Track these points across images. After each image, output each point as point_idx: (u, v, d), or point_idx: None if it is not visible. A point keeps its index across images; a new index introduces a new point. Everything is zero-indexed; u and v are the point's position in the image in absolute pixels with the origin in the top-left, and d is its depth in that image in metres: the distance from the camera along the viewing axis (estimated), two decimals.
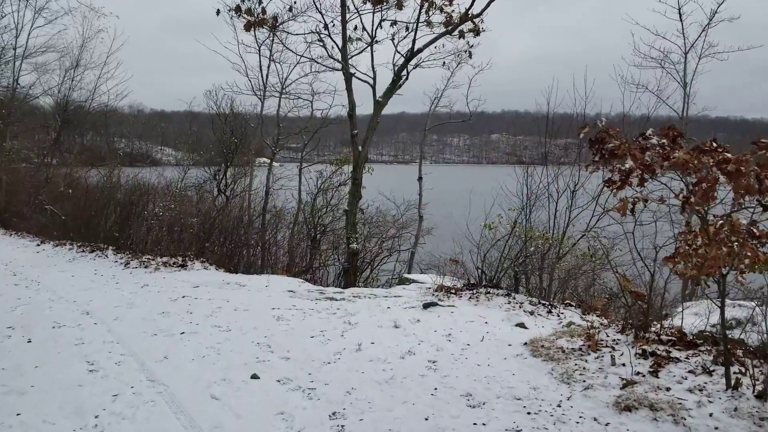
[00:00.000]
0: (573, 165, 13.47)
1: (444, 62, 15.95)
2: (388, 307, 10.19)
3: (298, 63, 18.28)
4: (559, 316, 9.77)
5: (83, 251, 17.73)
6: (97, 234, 18.91)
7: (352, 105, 14.70)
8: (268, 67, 18.89)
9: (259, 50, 18.56)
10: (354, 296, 11.22)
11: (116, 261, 15.91)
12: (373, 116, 14.73)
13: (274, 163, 19.55)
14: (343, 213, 20.02)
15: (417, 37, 14.55)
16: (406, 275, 13.51)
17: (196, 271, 14.23)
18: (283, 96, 18.42)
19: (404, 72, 14.56)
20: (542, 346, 7.62)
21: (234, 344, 8.15)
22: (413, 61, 14.67)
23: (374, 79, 15.07)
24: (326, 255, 19.41)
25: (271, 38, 18.06)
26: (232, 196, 19.80)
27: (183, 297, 11.12)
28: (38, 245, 19.76)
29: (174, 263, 14.63)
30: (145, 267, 14.69)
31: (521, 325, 9.01)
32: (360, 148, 14.66)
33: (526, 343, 7.89)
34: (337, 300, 10.84)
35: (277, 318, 9.49)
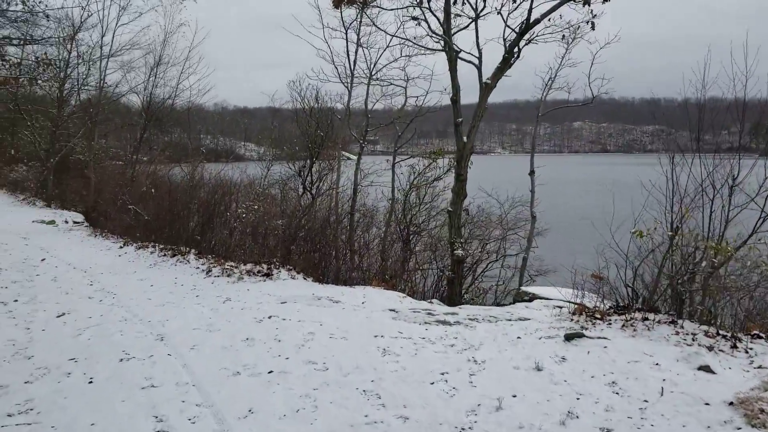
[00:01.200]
0: (733, 154, 10.92)
1: (563, 35, 13.66)
2: (518, 337, 8.18)
3: (388, 46, 16.53)
4: (747, 352, 7.46)
5: (165, 255, 16.70)
6: (180, 236, 17.90)
7: (456, 89, 12.73)
8: (356, 52, 17.19)
9: (346, 33, 16.90)
10: (470, 319, 9.28)
11: (197, 267, 14.68)
12: (480, 101, 12.71)
13: (363, 157, 17.86)
14: (443, 213, 18.14)
15: (534, 6, 12.34)
16: (525, 288, 11.44)
17: (283, 281, 12.71)
18: (373, 83, 16.66)
19: (516, 48, 12.40)
20: (762, 410, 5.42)
21: (334, 392, 6.40)
22: (525, 36, 12.48)
23: (479, 58, 13.05)
24: (420, 258, 17.58)
25: (358, 19, 16.34)
26: (317, 194, 18.32)
27: (269, 317, 9.53)
28: (121, 247, 19.00)
29: (258, 271, 13.18)
30: (228, 275, 13.32)
31: (706, 369, 6.79)
32: (465, 138, 12.70)
33: (731, 403, 5.70)
34: (451, 324, 8.94)
35: (382, 351, 7.68)
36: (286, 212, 16.51)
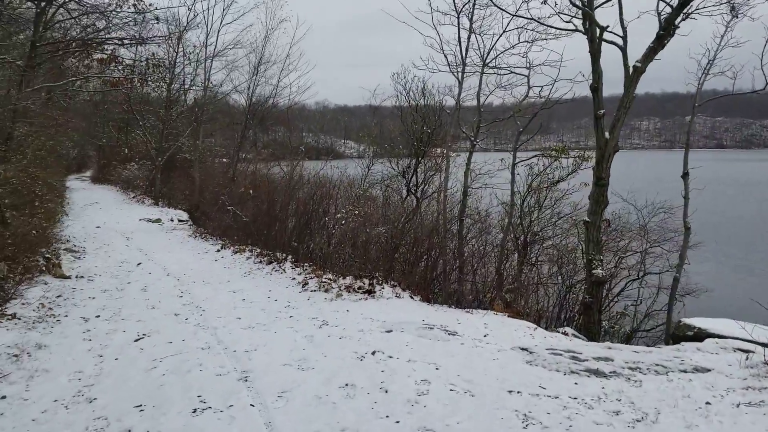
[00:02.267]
0: None
1: (732, 5, 10.99)
2: (708, 403, 6.01)
3: (505, 31, 14.40)
4: None
5: (261, 261, 15.60)
6: (277, 240, 16.77)
7: (598, 75, 10.48)
8: (468, 38, 15.24)
9: (458, 17, 14.95)
10: (631, 368, 7.16)
11: (293, 278, 13.35)
12: (627, 89, 10.42)
13: (474, 156, 15.91)
14: (566, 220, 15.89)
15: None
16: (686, 320, 9.08)
17: (386, 300, 11.05)
18: (487, 71, 14.67)
19: (673, 24, 10.00)
20: None
21: None
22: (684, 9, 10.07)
23: (624, 38, 10.74)
24: (538, 271, 15.42)
25: (472, 1, 14.40)
26: (423, 197, 16.57)
27: (373, 353, 7.86)
28: (218, 251, 18.17)
29: (359, 288, 11.59)
30: (326, 291, 11.84)
31: None
32: (607, 134, 10.48)
33: None
34: (607, 377, 6.87)
35: (523, 417, 5.78)
36: (389, 217, 14.88)
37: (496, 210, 16.54)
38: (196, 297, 12.16)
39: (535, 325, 9.36)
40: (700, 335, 8.78)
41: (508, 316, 9.86)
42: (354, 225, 14.26)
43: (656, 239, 14.40)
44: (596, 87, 10.47)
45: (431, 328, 8.90)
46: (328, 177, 18.54)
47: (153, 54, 30.06)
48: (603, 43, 10.64)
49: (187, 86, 35.07)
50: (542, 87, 13.46)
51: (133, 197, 37.05)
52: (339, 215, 14.32)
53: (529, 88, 13.72)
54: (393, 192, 18.42)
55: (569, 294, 13.23)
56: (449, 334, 8.57)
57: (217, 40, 31.49)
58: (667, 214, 14.79)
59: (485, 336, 8.59)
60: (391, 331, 8.86)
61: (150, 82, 33.12)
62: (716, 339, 8.15)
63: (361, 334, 8.81)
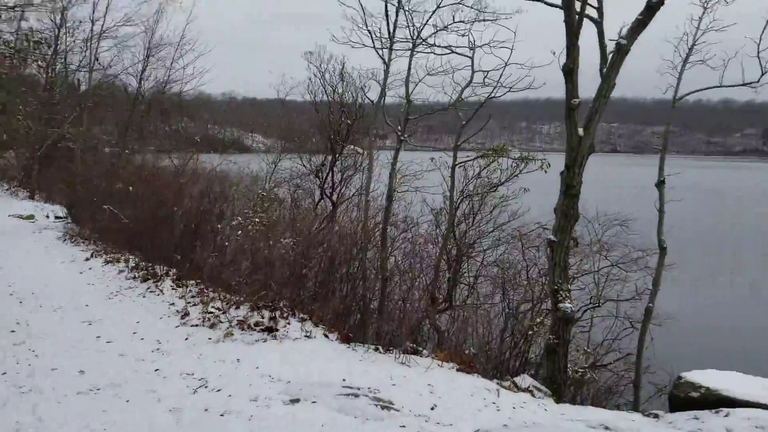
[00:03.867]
0: None
1: None
2: None
3: (439, 6, 11.99)
4: None
5: (135, 277, 12.49)
6: (160, 249, 13.61)
7: (573, 53, 8.08)
8: (396, 13, 12.72)
9: None
10: None
11: (172, 304, 10.37)
12: (608, 73, 8.17)
13: (403, 153, 13.42)
14: (505, 231, 13.74)
15: None
16: (690, 377, 6.94)
17: (293, 342, 8.30)
18: (420, 51, 12.22)
19: None
20: None
21: None
22: None
23: (600, 9, 8.47)
24: (474, 293, 13.18)
25: None
26: (340, 200, 13.92)
27: None
28: (87, 259, 14.80)
29: (257, 324, 8.77)
30: (211, 326, 8.95)
31: None
32: (581, 130, 8.22)
33: None
34: None
35: None
36: (297, 226, 12.12)
37: (426, 219, 14.15)
38: (34, 331, 9.02)
39: (495, 385, 6.91)
40: (709, 398, 6.66)
41: (458, 370, 7.37)
42: (254, 235, 11.39)
43: (620, 260, 12.41)
44: (571, 69, 8.20)
45: (356, 396, 6.24)
46: (225, 173, 15.47)
47: (31, 28, 26.31)
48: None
49: (72, 66, 31.20)
50: (487, 72, 11.13)
51: (7, 189, 32.62)
52: (235, 222, 11.37)
53: (473, 72, 11.37)
54: (304, 194, 15.61)
55: (515, 325, 11.01)
56: (383, 408, 5.95)
57: (105, 16, 27.96)
58: (622, 227, 12.92)
59: (433, 408, 6.04)
60: (297, 400, 6.14)
61: (29, 61, 29.19)
62: (747, 409, 6.02)
63: (253, 407, 6.04)
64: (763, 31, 9.67)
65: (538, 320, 10.97)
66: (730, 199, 52.28)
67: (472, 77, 11.44)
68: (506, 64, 10.75)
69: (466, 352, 8.77)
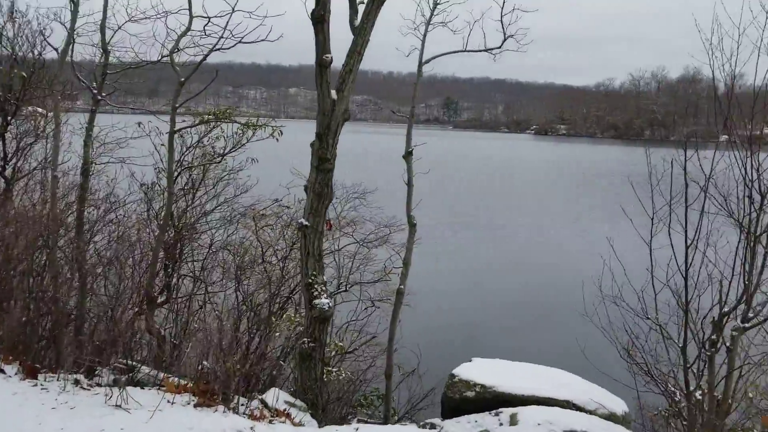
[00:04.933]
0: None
1: None
2: None
3: None
4: None
5: None
6: None
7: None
8: None
9: None
10: None
11: None
12: (362, 25, 6.86)
13: (102, 117, 10.64)
14: (226, 208, 12.05)
15: None
16: (459, 373, 6.21)
17: None
18: None
19: None
20: None
21: None
22: None
23: None
24: (200, 284, 11.30)
25: None
26: (16, 177, 10.55)
27: None
28: None
29: None
30: None
31: None
32: (334, 93, 6.82)
33: None
34: None
35: None
36: None
37: (138, 197, 11.58)
38: None
39: (250, 422, 5.29)
40: (486, 396, 6.06)
41: (196, 405, 5.55)
42: None
43: (368, 239, 11.50)
44: (323, 17, 6.73)
45: None
46: None
47: None
48: None
49: None
50: (209, 20, 9.09)
51: None
52: None
53: (192, 18, 9.17)
54: None
55: (253, 314, 9.44)
56: None
57: None
58: (363, 202, 12.08)
59: None
60: None
61: None
62: (532, 413, 5.45)
63: None
64: None
65: (281, 312, 9.61)
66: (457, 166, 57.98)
67: (190, 24, 9.28)
68: (233, 10, 8.89)
69: (200, 367, 6.96)
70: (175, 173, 11.26)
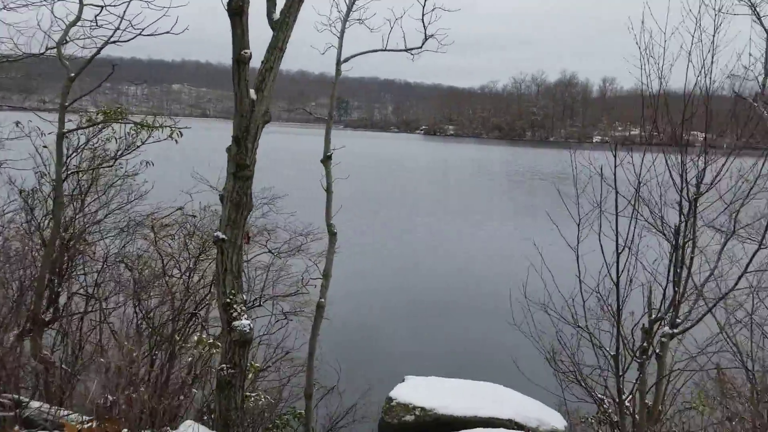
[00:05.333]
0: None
1: None
2: None
3: None
4: None
5: None
6: None
7: None
8: None
9: None
10: None
11: None
12: (283, 19, 6.17)
13: None
14: (120, 216, 11.02)
15: None
16: (395, 396, 5.79)
17: None
18: None
19: None
20: None
21: None
22: None
23: None
24: (93, 301, 10.18)
25: None
26: None
27: None
28: None
29: None
30: None
31: None
32: (253, 93, 6.13)
33: None
34: None
35: None
36: None
37: (14, 205, 10.21)
38: None
39: None
40: (426, 420, 5.70)
41: None
42: None
43: (278, 246, 10.69)
44: (241, 8, 5.98)
45: None
46: None
47: None
48: None
49: None
50: (101, 9, 8.04)
51: None
52: None
53: (83, 5, 8.06)
54: None
55: (157, 340, 8.50)
56: None
57: None
58: (270, 206, 11.31)
59: None
60: None
61: None
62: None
63: None
64: None
65: (186, 330, 8.74)
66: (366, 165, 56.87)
67: (80, 12, 8.16)
68: None
69: (102, 401, 6.08)
70: (65, 177, 10.06)
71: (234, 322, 6.32)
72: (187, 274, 9.87)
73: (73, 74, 8.17)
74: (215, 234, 6.43)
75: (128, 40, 7.94)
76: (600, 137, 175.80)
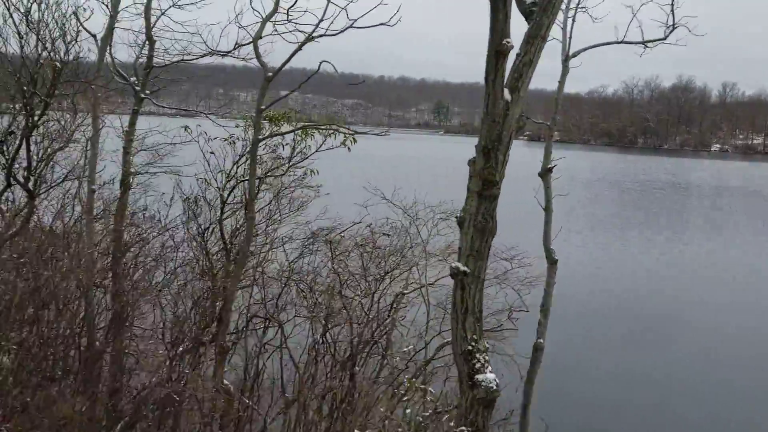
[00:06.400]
0: None
1: None
2: None
3: None
4: None
5: None
6: None
7: None
8: None
9: None
10: None
11: None
12: (549, 4, 5.08)
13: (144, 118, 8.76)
14: (296, 239, 10.33)
15: None
16: None
17: None
18: None
19: None
20: None
21: None
22: None
23: None
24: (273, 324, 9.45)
25: None
26: (40, 187, 8.54)
27: None
28: None
29: None
30: None
31: None
32: (508, 94, 4.94)
33: None
34: None
35: None
36: None
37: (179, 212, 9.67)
38: None
39: None
40: None
41: None
42: None
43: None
44: None
45: None
46: None
47: None
48: None
49: None
50: (296, 2, 7.19)
51: None
52: None
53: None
54: None
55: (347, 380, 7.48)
56: None
57: None
58: (448, 221, 10.17)
59: None
60: None
61: None
62: None
63: None
64: None
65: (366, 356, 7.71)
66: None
67: (276, 5, 7.32)
68: None
69: None
70: (231, 186, 9.42)
71: (477, 376, 5.14)
72: (368, 297, 8.88)
73: (270, 74, 7.37)
74: (453, 265, 5.28)
75: (338, 32, 7.01)
76: (719, 145, 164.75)
